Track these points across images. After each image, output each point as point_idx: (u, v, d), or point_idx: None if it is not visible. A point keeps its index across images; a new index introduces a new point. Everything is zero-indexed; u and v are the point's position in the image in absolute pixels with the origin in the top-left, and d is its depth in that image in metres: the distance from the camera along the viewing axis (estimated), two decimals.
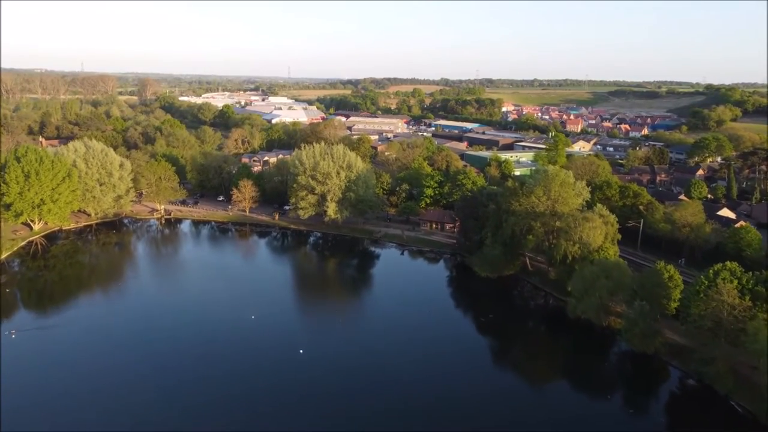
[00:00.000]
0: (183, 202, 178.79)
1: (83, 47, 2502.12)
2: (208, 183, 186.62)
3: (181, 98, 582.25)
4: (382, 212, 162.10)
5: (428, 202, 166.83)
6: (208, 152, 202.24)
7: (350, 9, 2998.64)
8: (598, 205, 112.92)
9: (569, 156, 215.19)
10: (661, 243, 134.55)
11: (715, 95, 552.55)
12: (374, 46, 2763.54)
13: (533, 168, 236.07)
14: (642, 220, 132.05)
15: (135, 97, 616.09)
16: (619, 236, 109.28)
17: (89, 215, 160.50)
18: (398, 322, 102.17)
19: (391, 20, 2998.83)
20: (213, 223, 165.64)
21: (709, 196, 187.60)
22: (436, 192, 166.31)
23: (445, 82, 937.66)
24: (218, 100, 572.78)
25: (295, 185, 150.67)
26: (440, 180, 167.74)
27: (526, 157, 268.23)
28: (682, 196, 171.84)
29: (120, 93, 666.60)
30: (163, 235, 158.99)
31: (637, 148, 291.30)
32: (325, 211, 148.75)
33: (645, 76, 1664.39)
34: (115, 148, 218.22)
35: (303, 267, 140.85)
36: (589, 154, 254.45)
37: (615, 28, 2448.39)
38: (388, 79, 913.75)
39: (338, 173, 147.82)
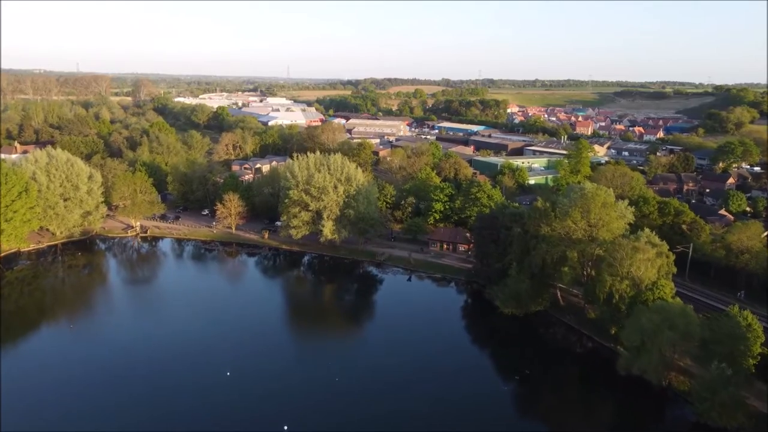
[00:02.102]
0: (163, 217, 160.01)
1: (82, 47, 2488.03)
2: (192, 195, 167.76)
3: (177, 99, 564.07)
4: (385, 229, 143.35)
5: (437, 217, 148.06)
6: (193, 160, 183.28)
7: (349, 9, 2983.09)
8: (646, 230, 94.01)
9: (594, 165, 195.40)
10: (710, 270, 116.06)
11: (726, 96, 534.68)
12: (374, 47, 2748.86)
13: (549, 176, 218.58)
14: (691, 245, 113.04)
15: (130, 98, 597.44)
16: (674, 269, 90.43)
17: (54, 234, 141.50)
18: (406, 375, 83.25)
19: (390, 21, 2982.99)
20: (195, 242, 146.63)
21: (747, 209, 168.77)
22: (447, 206, 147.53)
23: (447, 82, 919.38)
24: (215, 101, 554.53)
25: (286, 200, 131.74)
26: (451, 193, 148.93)
27: (538, 163, 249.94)
28: (723, 211, 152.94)
29: (116, 94, 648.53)
30: (136, 256, 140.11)
31: (657, 153, 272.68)
32: (321, 231, 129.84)
33: (647, 76, 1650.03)
34: (92, 155, 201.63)
35: (293, 298, 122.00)
36: (608, 161, 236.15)
37: (615, 28, 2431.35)
38: (389, 80, 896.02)
39: (336, 187, 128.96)
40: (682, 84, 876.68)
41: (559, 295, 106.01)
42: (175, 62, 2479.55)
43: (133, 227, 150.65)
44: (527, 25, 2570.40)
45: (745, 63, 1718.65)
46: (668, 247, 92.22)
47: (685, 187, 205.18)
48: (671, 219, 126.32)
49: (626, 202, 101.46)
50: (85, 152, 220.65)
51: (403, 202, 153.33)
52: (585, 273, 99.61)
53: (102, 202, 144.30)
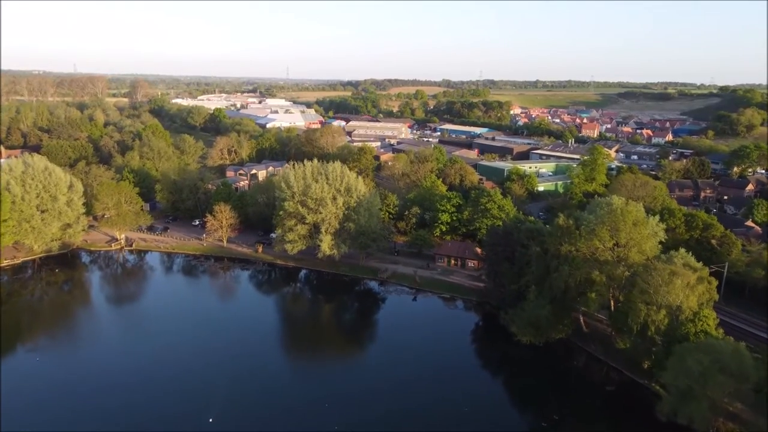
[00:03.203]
0: (150, 228, 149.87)
1: (82, 48, 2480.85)
2: (182, 204, 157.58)
3: (175, 100, 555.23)
4: (388, 242, 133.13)
5: (444, 229, 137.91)
6: (183, 167, 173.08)
7: (349, 10, 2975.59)
8: (681, 250, 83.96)
9: (612, 173, 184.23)
10: (744, 290, 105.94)
11: (732, 97, 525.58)
12: (374, 47, 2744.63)
13: (559, 182, 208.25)
14: (726, 264, 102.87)
15: (126, 100, 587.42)
16: (716, 296, 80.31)
17: (31, 248, 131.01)
18: (412, 411, 73.57)
19: (390, 21, 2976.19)
20: (183, 256, 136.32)
21: None
22: (454, 218, 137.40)
23: (447, 83, 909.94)
24: (213, 102, 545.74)
25: (281, 213, 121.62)
26: (458, 203, 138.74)
27: (546, 167, 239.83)
28: (750, 222, 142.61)
29: (114, 95, 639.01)
30: (120, 272, 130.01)
31: (669, 158, 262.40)
32: (319, 246, 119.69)
33: (648, 77, 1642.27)
34: (79, 160, 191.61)
35: (288, 320, 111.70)
36: (620, 166, 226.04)
37: (615, 29, 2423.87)
38: (389, 81, 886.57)
39: (335, 199, 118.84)
40: (684, 85, 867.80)
41: (582, 320, 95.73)
42: (175, 63, 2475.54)
43: (117, 240, 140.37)
44: (527, 26, 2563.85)
45: (746, 63, 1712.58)
46: (707, 270, 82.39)
47: (702, 194, 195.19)
48: (699, 233, 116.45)
49: (657, 218, 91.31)
50: (73, 157, 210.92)
51: (407, 212, 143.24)
52: (612, 296, 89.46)
53: (83, 214, 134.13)
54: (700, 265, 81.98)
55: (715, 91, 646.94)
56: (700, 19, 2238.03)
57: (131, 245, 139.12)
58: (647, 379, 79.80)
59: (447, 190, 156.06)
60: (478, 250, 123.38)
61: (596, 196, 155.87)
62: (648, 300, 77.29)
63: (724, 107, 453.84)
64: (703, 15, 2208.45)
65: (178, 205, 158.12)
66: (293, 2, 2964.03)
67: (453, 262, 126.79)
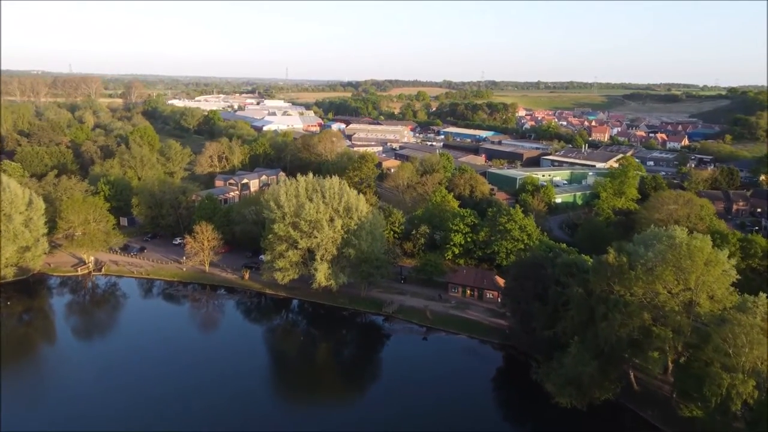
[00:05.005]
0: (125, 249, 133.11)
1: (81, 48, 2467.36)
2: (162, 220, 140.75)
3: (171, 101, 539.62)
4: (393, 267, 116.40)
5: (457, 252, 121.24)
6: (163, 179, 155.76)
7: (349, 10, 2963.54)
8: (762, 296, 67.30)
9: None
10: None
11: (743, 99, 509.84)
12: (374, 48, 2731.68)
13: (577, 193, 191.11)
14: None
15: (121, 100, 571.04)
16: None
17: None
18: None
19: (390, 22, 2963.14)
20: (159, 282, 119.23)
21: None
22: (468, 239, 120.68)
23: (448, 84, 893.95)
24: (211, 104, 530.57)
25: (270, 236, 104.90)
26: (473, 222, 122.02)
27: (560, 175, 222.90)
28: None
29: (110, 95, 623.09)
30: (84, 302, 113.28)
31: (689, 165, 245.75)
32: (313, 275, 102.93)
33: (651, 78, 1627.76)
34: (54, 168, 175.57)
35: (275, 365, 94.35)
36: (643, 176, 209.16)
37: (616, 30, 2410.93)
38: (390, 81, 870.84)
39: (332, 221, 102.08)
40: (687, 86, 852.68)
41: (632, 376, 78.86)
42: (175, 64, 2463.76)
43: (85, 263, 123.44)
44: (527, 26, 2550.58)
45: (748, 64, 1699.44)
46: None
47: (735, 207, 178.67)
48: (756, 262, 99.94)
49: (726, 252, 74.33)
50: (50, 164, 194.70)
51: (414, 231, 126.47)
52: (674, 350, 72.68)
53: (44, 234, 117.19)
54: None
55: (723, 93, 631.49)
56: (702, 20, 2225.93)
57: (100, 269, 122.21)
58: None
59: (458, 205, 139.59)
60: (498, 279, 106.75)
61: (629, 213, 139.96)
62: (727, 363, 60.71)
63: (735, 109, 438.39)
64: (705, 16, 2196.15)
65: (158, 221, 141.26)
66: (294, 2, 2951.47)
67: (468, 292, 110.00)
